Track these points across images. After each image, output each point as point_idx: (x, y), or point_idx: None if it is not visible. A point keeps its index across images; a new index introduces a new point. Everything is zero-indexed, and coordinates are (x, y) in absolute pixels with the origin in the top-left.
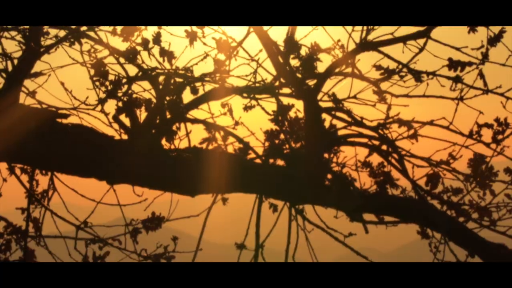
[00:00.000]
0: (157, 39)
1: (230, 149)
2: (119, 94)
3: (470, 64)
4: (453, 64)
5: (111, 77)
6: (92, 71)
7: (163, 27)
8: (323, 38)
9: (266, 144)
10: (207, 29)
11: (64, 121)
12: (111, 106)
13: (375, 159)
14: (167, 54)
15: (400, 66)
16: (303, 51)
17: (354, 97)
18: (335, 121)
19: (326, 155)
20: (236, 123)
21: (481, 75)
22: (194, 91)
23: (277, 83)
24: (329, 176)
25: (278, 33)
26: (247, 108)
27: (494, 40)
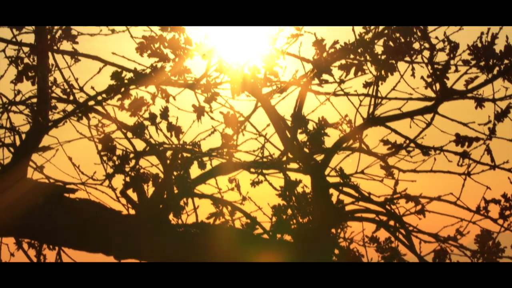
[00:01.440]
0: (164, 114)
1: (237, 224)
2: (127, 169)
3: (477, 139)
4: (460, 139)
5: (118, 152)
6: (100, 146)
7: (170, 102)
8: (331, 113)
9: (274, 219)
10: (215, 104)
11: (72, 195)
12: (118, 181)
13: (383, 234)
14: (174, 129)
15: (408, 141)
16: (311, 126)
17: (362, 172)
18: (342, 196)
19: (333, 230)
20: (244, 198)
21: (488, 150)
22: (202, 166)
23: (284, 158)
24: (336, 251)
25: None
26: (254, 183)
27: (501, 115)
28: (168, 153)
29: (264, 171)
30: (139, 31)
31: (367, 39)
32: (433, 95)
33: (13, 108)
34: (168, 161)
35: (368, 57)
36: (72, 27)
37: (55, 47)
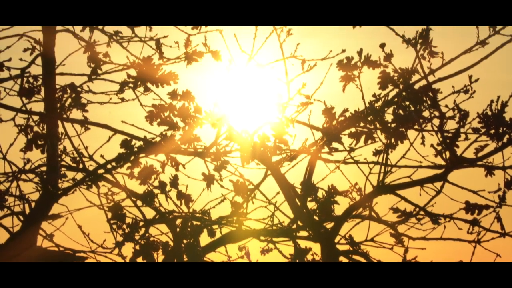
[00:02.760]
0: (174, 182)
1: None
2: (136, 237)
3: (487, 207)
4: (470, 207)
5: (128, 220)
6: (109, 214)
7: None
8: (341, 181)
9: None
10: (225, 172)
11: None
12: (128, 249)
13: None
14: (184, 197)
15: (417, 209)
16: (320, 194)
17: (372, 240)
18: None
19: None
20: None
21: (498, 218)
22: (212, 234)
23: (294, 226)
24: None
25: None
26: (264, 251)
27: (511, 183)
28: (178, 221)
29: (274, 239)
30: (149, 99)
31: (377, 107)
32: (443, 163)
33: (23, 176)
34: (178, 229)
35: (378, 125)
36: (82, 95)
37: (64, 116)
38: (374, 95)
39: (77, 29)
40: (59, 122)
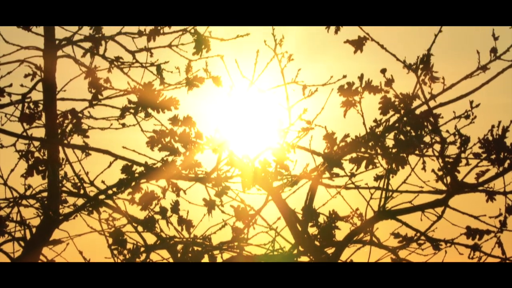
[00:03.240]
0: (175, 207)
1: None
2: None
3: (488, 232)
4: (471, 232)
5: (129, 246)
6: (110, 240)
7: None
8: (342, 206)
9: None
10: (226, 197)
11: None
12: None
13: None
14: (185, 223)
15: (418, 234)
16: (322, 219)
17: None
18: None
19: None
20: None
21: (499, 243)
22: (213, 259)
23: (295, 252)
24: None
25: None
26: None
27: None
28: (179, 246)
29: None
30: (150, 124)
31: (378, 133)
32: (444, 188)
33: (24, 202)
34: (179, 255)
35: (379, 151)
36: (83, 121)
37: (65, 141)
38: (375, 120)
39: (78, 54)
40: (60, 148)
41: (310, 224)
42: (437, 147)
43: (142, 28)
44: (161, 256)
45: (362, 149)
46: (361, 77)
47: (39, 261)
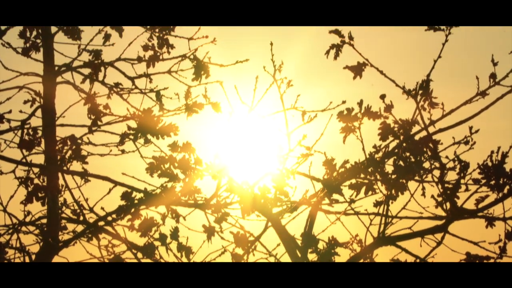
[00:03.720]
0: (174, 234)
1: None
2: None
3: (488, 258)
4: (470, 258)
5: None
6: None
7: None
8: (341, 232)
9: None
10: (225, 223)
11: None
12: None
13: None
14: (185, 249)
15: (418, 261)
16: (321, 245)
17: None
18: None
19: None
20: None
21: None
22: None
23: None
24: None
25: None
26: None
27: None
28: None
29: None
30: (149, 150)
31: (377, 158)
32: (443, 214)
33: (23, 228)
34: None
35: (378, 177)
36: (82, 147)
37: (65, 168)
38: (374, 146)
39: (78, 80)
40: (60, 174)
41: (309, 250)
42: (437, 173)
43: (141, 54)
44: None
45: (362, 175)
46: (360, 103)
47: None
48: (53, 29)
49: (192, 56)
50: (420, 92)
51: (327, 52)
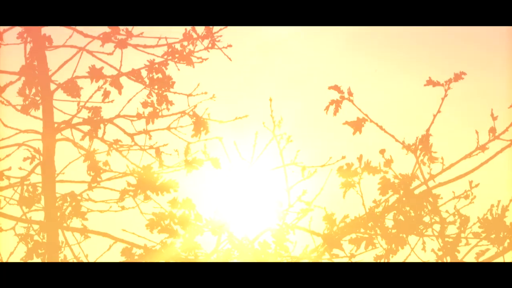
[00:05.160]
0: None
1: None
2: None
3: None
4: None
5: None
6: None
7: None
8: None
9: None
10: None
11: None
12: None
13: None
14: None
15: None
16: None
17: None
18: None
19: None
20: None
21: None
22: None
23: None
24: None
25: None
26: None
27: None
28: None
29: None
30: (149, 207)
31: (377, 213)
32: None
33: None
34: None
35: (378, 231)
36: (82, 204)
37: (65, 224)
38: (374, 201)
39: (77, 137)
40: (60, 231)
41: None
42: (437, 227)
43: (140, 110)
44: None
45: (362, 230)
46: (360, 158)
47: None
48: (52, 86)
49: (191, 112)
50: (420, 146)
51: (327, 108)
